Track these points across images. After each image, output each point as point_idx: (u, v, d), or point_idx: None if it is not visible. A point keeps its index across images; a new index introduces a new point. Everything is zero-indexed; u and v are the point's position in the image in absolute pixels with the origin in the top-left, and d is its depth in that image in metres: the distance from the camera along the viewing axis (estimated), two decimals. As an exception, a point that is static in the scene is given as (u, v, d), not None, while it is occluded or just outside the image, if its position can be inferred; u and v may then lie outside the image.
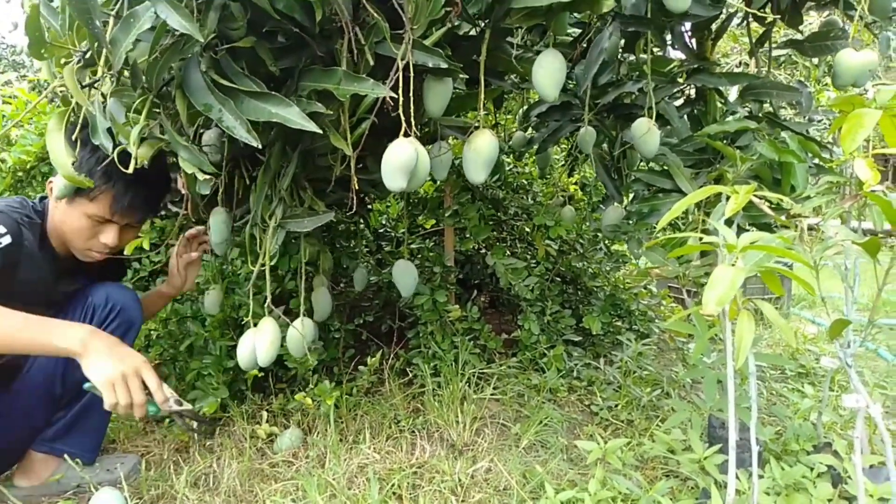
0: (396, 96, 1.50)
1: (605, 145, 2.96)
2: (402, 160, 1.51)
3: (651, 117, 2.41)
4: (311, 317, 2.79)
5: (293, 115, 1.41)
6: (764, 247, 1.38)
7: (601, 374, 3.09)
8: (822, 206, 2.14)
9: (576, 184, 3.69)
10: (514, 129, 3.32)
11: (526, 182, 3.67)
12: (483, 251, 3.11)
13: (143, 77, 1.52)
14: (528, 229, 3.23)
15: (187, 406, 1.79)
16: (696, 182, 2.54)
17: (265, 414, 2.46)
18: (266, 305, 2.01)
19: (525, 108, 3.08)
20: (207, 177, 1.65)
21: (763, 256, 1.51)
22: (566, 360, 3.18)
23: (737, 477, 1.76)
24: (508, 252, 3.11)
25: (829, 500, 1.85)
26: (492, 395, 2.87)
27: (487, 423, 2.59)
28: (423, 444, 2.31)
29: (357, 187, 1.65)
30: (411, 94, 1.55)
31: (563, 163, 3.41)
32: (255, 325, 2.17)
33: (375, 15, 1.52)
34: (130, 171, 1.53)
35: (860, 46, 2.26)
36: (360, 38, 1.58)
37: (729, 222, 1.97)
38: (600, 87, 2.77)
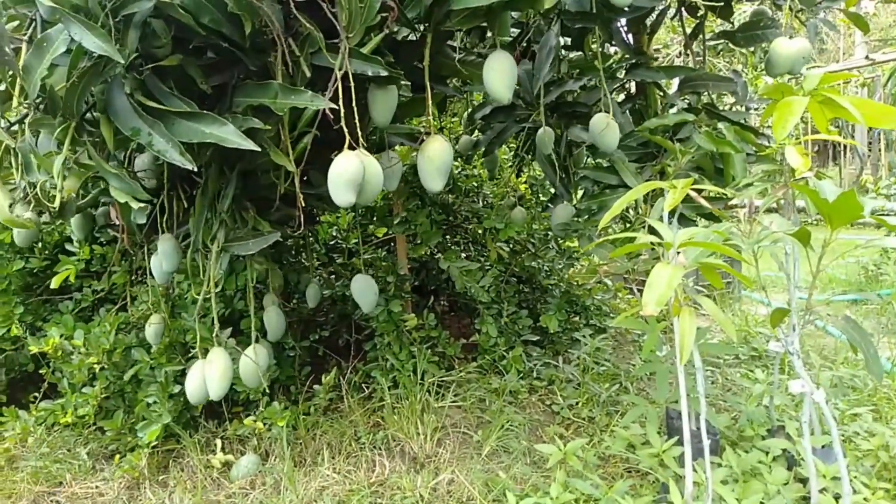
0: (337, 108, 1.47)
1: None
2: (349, 174, 1.47)
3: (608, 111, 2.42)
4: (265, 337, 2.72)
5: (229, 134, 1.36)
6: (700, 243, 1.40)
7: (560, 372, 3.10)
8: (764, 191, 2.19)
9: (525, 183, 3.71)
10: (459, 133, 3.31)
11: (476, 185, 3.66)
12: (437, 256, 3.08)
13: (62, 104, 1.44)
14: (479, 232, 3.21)
15: None
16: (642, 176, 2.57)
17: (220, 442, 2.38)
18: (214, 334, 1.94)
19: (469, 111, 3.07)
20: (142, 205, 1.57)
21: (700, 252, 1.53)
22: (525, 361, 3.18)
23: (694, 469, 1.78)
24: (462, 255, 3.09)
25: (785, 484, 1.90)
26: (453, 402, 2.85)
27: (449, 432, 2.56)
28: (383, 461, 2.27)
29: (303, 204, 1.60)
30: (353, 104, 1.52)
31: (510, 164, 3.41)
32: (205, 351, 2.09)
33: (308, 25, 1.47)
34: (56, 206, 1.44)
35: (793, 34, 2.33)
36: (294, 49, 1.54)
37: (675, 214, 2.00)
38: (543, 86, 2.79)
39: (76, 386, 2.64)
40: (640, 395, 2.76)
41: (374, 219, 3.18)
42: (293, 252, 3.22)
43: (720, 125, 2.37)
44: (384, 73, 1.50)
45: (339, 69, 1.48)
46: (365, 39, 1.55)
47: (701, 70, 2.57)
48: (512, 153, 3.44)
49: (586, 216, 2.83)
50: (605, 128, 2.21)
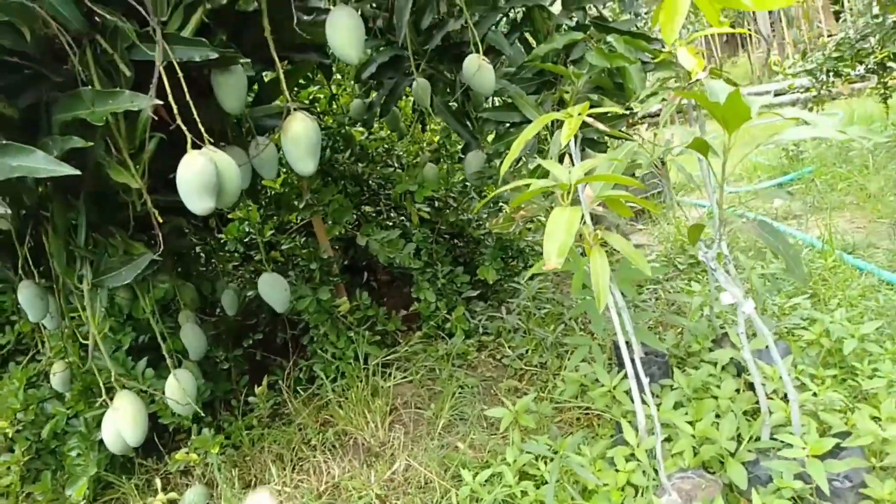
0: (163, 102, 1.27)
1: (447, 92, 2.80)
2: (198, 177, 1.29)
3: (479, 52, 2.27)
4: (187, 357, 2.54)
5: (39, 163, 1.15)
6: (598, 176, 1.28)
7: (506, 323, 3.02)
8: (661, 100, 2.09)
9: (436, 135, 3.54)
10: (354, 96, 3.10)
11: (385, 147, 3.48)
12: (355, 232, 2.92)
13: None
14: (397, 197, 3.05)
15: None
16: (543, 108, 2.45)
17: (159, 481, 2.21)
18: (114, 379, 1.75)
19: (354, 72, 2.86)
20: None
21: (604, 185, 1.42)
22: (469, 318, 3.09)
23: (643, 401, 1.72)
24: (385, 224, 2.94)
25: (736, 393, 1.86)
26: (403, 377, 2.75)
27: (401, 413, 2.46)
28: (334, 462, 2.15)
29: (160, 219, 1.41)
30: (187, 96, 1.33)
31: (412, 120, 3.24)
32: (119, 389, 1.91)
33: (109, 17, 1.26)
34: None
35: None
36: (105, 48, 1.32)
37: (578, 142, 1.88)
38: (425, 31, 2.60)
39: (-6, 455, 2.42)
40: (584, 331, 2.70)
41: (279, 208, 2.98)
42: (203, 260, 3.01)
43: (609, 38, 2.24)
44: (214, 56, 1.30)
45: (160, 60, 1.27)
46: (185, 21, 1.34)
47: (582, -15, 2.42)
48: (410, 107, 3.26)
49: (498, 160, 2.70)
50: (477, 70, 2.06)
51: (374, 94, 3.08)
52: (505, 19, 2.74)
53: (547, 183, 1.28)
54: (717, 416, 1.73)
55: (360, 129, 3.49)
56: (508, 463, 1.76)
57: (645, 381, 1.66)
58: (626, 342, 1.67)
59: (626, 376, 1.90)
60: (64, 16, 1.24)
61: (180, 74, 1.31)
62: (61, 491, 2.37)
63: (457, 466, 1.92)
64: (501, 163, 2.67)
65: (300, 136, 1.54)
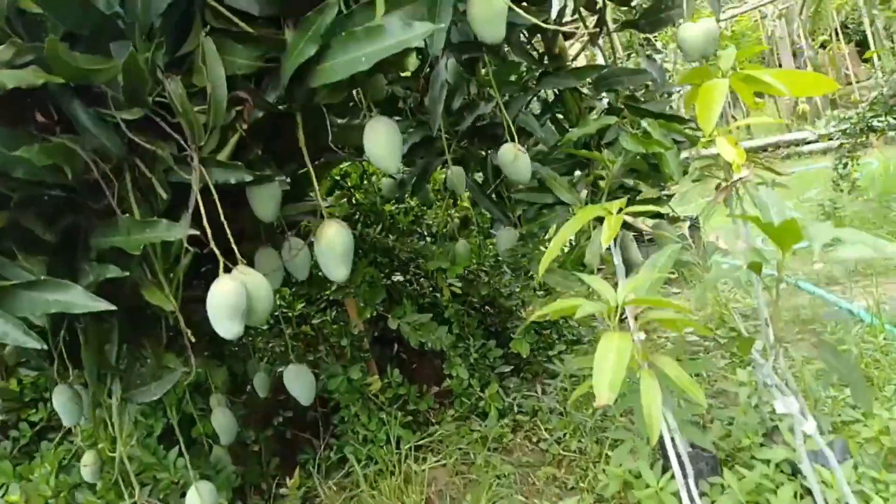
0: (203, 228, 1.27)
1: (479, 172, 2.80)
2: (228, 303, 1.27)
3: (512, 137, 2.26)
4: (217, 442, 2.51)
5: (76, 298, 1.15)
6: (650, 300, 1.23)
7: (541, 401, 2.93)
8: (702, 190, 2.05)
9: (466, 206, 3.52)
10: (381, 178, 3.11)
11: (414, 217, 3.46)
12: (385, 315, 2.88)
13: None
14: (426, 269, 3.03)
15: None
16: (577, 189, 2.42)
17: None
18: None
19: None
20: (37, 346, 1.35)
21: (650, 287, 1.37)
22: (503, 397, 3.01)
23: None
24: (412, 303, 2.90)
25: (794, 499, 1.75)
26: (436, 461, 2.67)
27: (434, 500, 2.38)
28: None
29: (192, 339, 1.39)
30: (222, 217, 1.32)
31: (442, 196, 3.23)
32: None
33: (149, 145, 1.27)
34: None
35: (693, 16, 2.19)
36: (144, 172, 1.33)
37: (618, 241, 1.84)
38: (455, 112, 2.61)
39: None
40: (625, 417, 2.60)
41: (310, 286, 2.97)
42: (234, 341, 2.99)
43: (643, 123, 2.22)
44: (249, 178, 1.30)
45: (197, 184, 1.27)
46: (222, 142, 1.35)
47: (612, 66, 2.42)
48: (442, 185, 3.25)
49: (531, 240, 2.67)
50: (514, 160, 2.04)
51: (402, 171, 3.09)
52: (536, 99, 2.74)
53: (594, 306, 1.23)
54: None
55: (388, 207, 3.48)
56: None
57: (692, 481, 1.58)
58: (672, 437, 1.60)
59: (672, 476, 1.81)
60: (105, 145, 1.25)
61: (215, 196, 1.30)
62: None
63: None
64: (534, 242, 2.66)
65: (335, 244, 1.53)
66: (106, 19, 1.17)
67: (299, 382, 2.21)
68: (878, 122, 5.43)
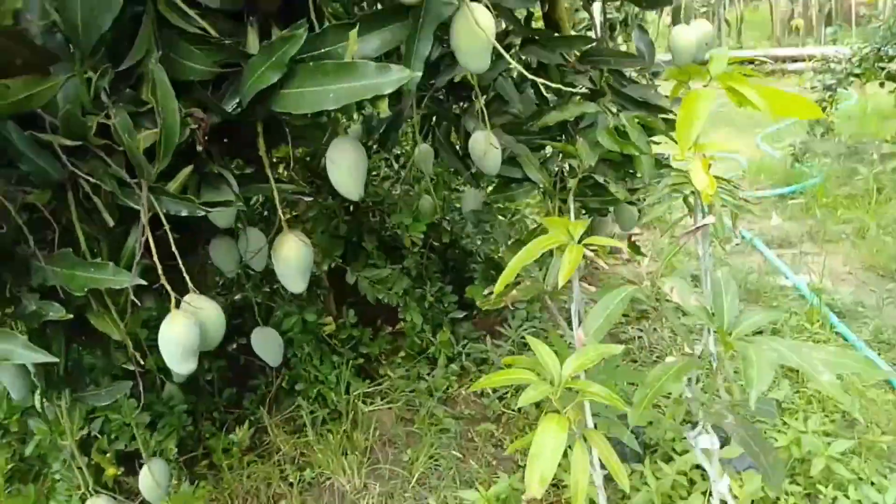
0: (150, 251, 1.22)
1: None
2: (181, 343, 1.26)
3: (484, 119, 2.15)
4: (171, 379, 2.56)
5: (18, 348, 1.12)
6: (591, 392, 1.26)
7: (492, 352, 3.04)
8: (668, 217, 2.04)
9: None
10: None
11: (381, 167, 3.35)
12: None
13: None
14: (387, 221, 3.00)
15: None
16: (547, 168, 2.37)
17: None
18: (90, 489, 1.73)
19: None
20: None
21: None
22: (454, 343, 3.11)
23: None
24: (371, 254, 2.90)
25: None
26: (382, 403, 2.81)
27: (379, 456, 2.52)
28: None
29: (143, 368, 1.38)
30: (172, 247, 1.27)
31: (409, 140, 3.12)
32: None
33: (85, 175, 1.18)
34: None
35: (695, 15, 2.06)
36: (89, 194, 1.25)
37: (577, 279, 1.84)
38: (431, 64, 2.47)
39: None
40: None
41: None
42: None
43: (622, 117, 2.14)
44: (201, 213, 1.24)
45: (146, 213, 1.21)
46: (174, 168, 1.27)
47: (603, 45, 2.29)
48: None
49: (497, 204, 2.65)
50: (484, 155, 1.97)
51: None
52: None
53: (536, 391, 1.25)
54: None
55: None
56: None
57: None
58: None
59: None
60: (45, 170, 1.17)
61: (167, 226, 1.25)
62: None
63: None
64: (497, 210, 2.62)
65: (291, 258, 1.50)
66: (41, 51, 1.05)
67: (267, 346, 2.22)
68: (866, 70, 5.34)
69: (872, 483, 1.97)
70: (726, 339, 1.28)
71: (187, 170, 1.27)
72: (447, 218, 3.18)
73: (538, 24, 2.53)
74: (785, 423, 2.20)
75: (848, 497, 1.91)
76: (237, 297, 3.05)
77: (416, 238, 2.98)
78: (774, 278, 3.55)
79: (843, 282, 3.45)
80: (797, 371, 2.63)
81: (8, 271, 1.23)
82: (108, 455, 2.32)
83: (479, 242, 3.26)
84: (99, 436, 2.34)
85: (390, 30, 1.28)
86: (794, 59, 11.67)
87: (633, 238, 3.10)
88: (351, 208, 3.05)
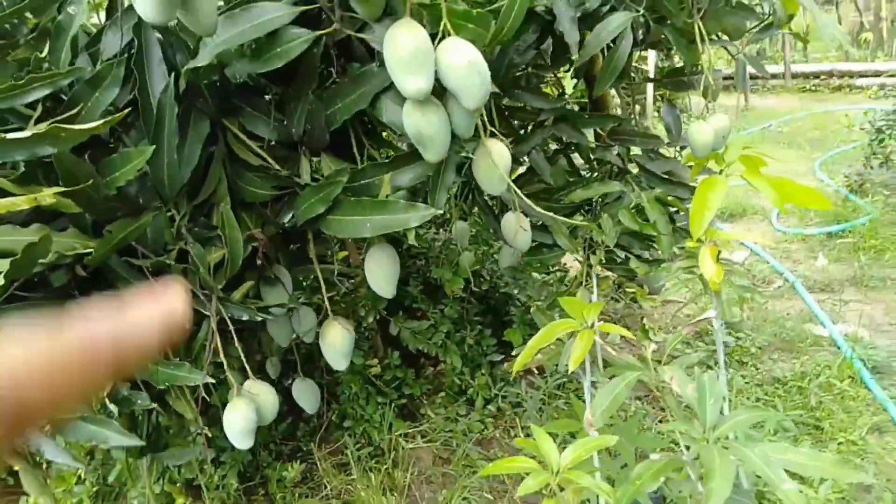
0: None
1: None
2: (242, 427, 1.52)
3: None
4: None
5: (113, 432, 1.40)
6: (581, 485, 1.44)
7: (527, 395, 3.23)
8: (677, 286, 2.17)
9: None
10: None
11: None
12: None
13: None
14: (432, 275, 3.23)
15: None
16: (574, 237, 2.54)
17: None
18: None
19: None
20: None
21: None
22: (491, 385, 3.31)
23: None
24: (416, 298, 3.13)
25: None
26: (423, 441, 3.04)
27: (416, 495, 2.75)
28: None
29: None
30: (236, 342, 1.53)
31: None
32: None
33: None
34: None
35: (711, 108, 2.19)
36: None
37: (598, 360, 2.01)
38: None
39: None
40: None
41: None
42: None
43: (643, 196, 2.29)
44: (259, 319, 1.49)
45: (215, 321, 1.47)
46: (237, 279, 1.52)
47: (629, 123, 2.44)
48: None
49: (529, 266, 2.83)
50: (514, 236, 2.16)
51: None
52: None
53: (535, 481, 1.45)
54: None
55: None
56: None
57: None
58: None
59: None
60: (132, 286, 1.43)
61: (232, 329, 1.50)
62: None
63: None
64: (530, 270, 2.80)
65: (336, 344, 1.74)
66: (135, 202, 1.32)
67: (306, 395, 2.49)
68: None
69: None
70: (702, 445, 1.43)
71: (248, 284, 1.52)
72: (486, 267, 3.38)
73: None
74: (807, 485, 2.30)
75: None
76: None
77: (457, 290, 3.20)
78: (813, 326, 3.59)
79: (884, 333, 3.46)
80: (820, 428, 2.71)
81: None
82: (178, 485, 2.64)
83: (516, 291, 3.45)
84: (171, 468, 2.66)
85: (420, 166, 1.50)
86: (863, 75, 11.29)
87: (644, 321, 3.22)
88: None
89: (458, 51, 1.11)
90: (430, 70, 1.10)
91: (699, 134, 2.07)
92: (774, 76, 12.33)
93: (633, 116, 2.60)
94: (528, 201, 1.75)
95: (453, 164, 1.54)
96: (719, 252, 2.01)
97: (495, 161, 1.49)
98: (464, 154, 1.73)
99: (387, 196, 1.43)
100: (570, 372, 1.83)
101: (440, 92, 1.23)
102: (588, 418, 1.74)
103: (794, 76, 12.14)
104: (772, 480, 1.29)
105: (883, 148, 5.79)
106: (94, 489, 2.86)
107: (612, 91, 2.83)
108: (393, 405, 3.11)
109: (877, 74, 10.86)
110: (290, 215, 1.60)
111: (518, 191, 2.24)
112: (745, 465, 1.33)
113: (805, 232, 4.96)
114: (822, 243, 4.75)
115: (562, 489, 1.49)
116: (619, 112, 2.95)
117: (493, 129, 1.54)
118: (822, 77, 11.92)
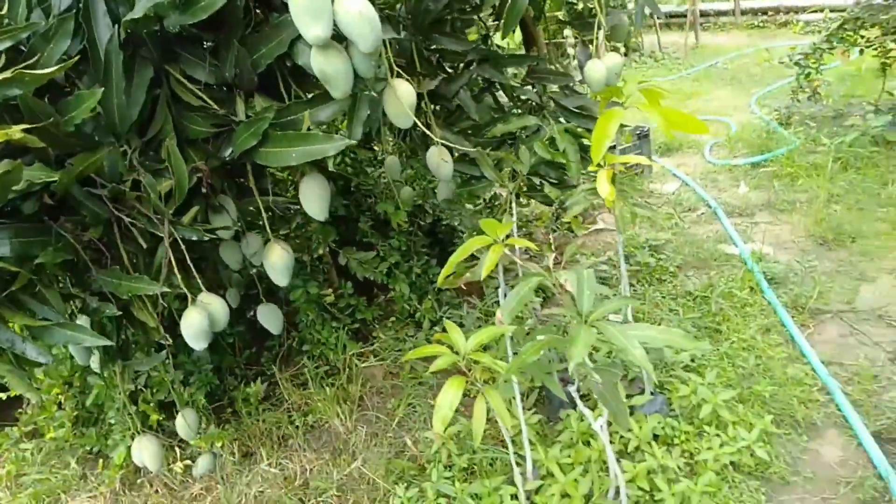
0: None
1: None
2: (197, 329, 1.80)
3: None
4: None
5: (86, 335, 1.66)
6: (480, 356, 1.76)
7: (467, 316, 3.56)
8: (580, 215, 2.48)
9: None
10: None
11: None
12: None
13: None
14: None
15: None
16: (500, 168, 2.82)
17: (178, 450, 2.89)
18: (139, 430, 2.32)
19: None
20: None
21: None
22: (436, 309, 3.63)
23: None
24: (366, 232, 3.41)
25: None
26: (374, 359, 3.38)
27: (368, 404, 3.09)
28: (309, 453, 2.81)
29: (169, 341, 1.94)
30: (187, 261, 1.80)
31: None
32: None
33: (125, 218, 1.70)
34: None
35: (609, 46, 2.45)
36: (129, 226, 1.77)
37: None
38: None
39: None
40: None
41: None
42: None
43: (555, 128, 2.57)
44: (207, 238, 1.76)
45: (168, 241, 1.73)
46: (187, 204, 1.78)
47: (544, 64, 2.69)
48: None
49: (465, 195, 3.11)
50: (437, 166, 2.42)
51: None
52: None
53: (445, 360, 1.77)
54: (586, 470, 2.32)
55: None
56: (432, 480, 2.41)
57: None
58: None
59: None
60: (96, 212, 1.69)
61: (183, 247, 1.77)
62: (104, 439, 3.07)
63: (399, 472, 2.57)
64: (462, 200, 3.08)
65: (276, 264, 2.02)
66: (91, 139, 1.56)
67: (270, 318, 2.76)
68: (848, 38, 5.55)
69: (752, 424, 2.46)
70: (583, 323, 1.76)
71: (195, 209, 1.78)
72: (428, 202, 3.66)
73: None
74: (699, 374, 2.69)
75: (727, 434, 2.41)
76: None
77: (402, 222, 3.49)
78: (726, 246, 3.98)
79: (787, 250, 3.85)
80: (719, 331, 3.10)
81: (76, 283, 1.77)
82: (151, 404, 2.93)
83: (456, 223, 3.75)
84: (144, 389, 2.94)
85: (336, 103, 1.74)
86: (808, 10, 11.56)
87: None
88: (349, 192, 3.57)
89: (351, 2, 1.35)
90: (328, 19, 1.35)
91: (593, 71, 2.34)
92: (724, 13, 12.60)
93: (549, 56, 2.85)
94: (443, 135, 2.01)
95: (366, 101, 1.79)
96: (614, 174, 2.33)
97: (401, 98, 1.75)
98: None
99: (307, 129, 1.69)
100: (482, 279, 2.15)
101: (343, 38, 1.48)
102: (499, 316, 2.06)
103: (744, 13, 12.42)
104: (626, 347, 1.63)
105: (810, 82, 6.13)
106: (74, 414, 3.15)
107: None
108: (347, 329, 3.42)
109: (821, 10, 11.13)
110: (230, 150, 1.85)
111: (432, 125, 2.51)
112: (605, 336, 1.67)
113: (732, 162, 5.32)
114: (747, 173, 5.12)
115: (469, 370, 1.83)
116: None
117: (399, 70, 1.79)
118: (770, 13, 12.21)
